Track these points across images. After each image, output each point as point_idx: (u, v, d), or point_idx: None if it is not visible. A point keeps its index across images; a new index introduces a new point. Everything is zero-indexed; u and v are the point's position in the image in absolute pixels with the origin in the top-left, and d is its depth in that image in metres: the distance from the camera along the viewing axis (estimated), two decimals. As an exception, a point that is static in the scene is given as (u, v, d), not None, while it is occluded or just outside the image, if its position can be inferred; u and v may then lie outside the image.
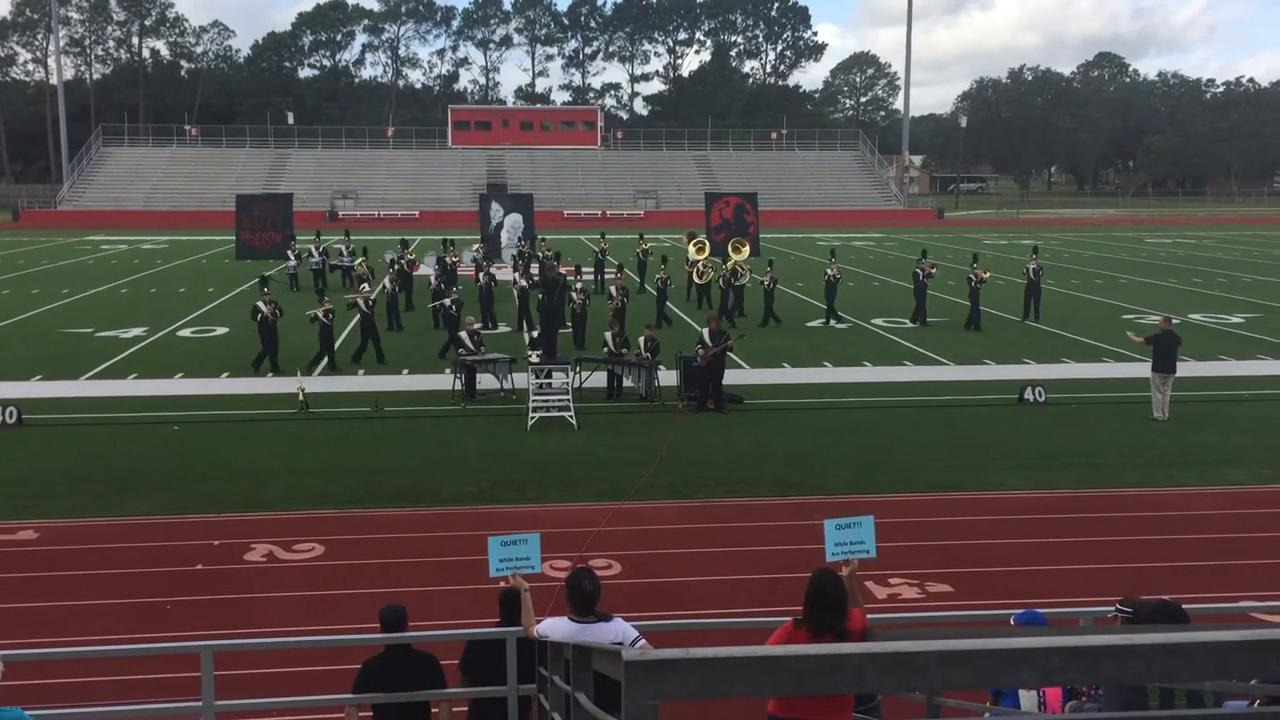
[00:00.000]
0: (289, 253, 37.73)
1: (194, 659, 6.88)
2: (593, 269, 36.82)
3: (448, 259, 32.42)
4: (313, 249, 36.67)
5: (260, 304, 22.84)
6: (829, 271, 30.37)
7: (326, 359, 23.41)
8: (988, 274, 29.63)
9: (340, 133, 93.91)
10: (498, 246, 44.35)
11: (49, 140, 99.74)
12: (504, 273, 35.98)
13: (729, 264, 30.80)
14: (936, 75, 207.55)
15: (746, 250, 32.39)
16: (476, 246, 33.57)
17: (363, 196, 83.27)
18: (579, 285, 26.70)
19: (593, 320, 26.21)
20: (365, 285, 25.77)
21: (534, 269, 32.42)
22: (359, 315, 24.55)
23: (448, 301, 25.47)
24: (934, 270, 30.52)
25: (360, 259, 33.06)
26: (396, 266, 32.70)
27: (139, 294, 36.47)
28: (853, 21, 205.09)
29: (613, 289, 26.83)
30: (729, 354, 20.23)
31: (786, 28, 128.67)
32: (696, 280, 32.53)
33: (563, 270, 29.93)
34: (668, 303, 30.18)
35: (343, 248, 37.41)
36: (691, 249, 33.33)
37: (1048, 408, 19.73)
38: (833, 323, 29.51)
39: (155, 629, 10.28)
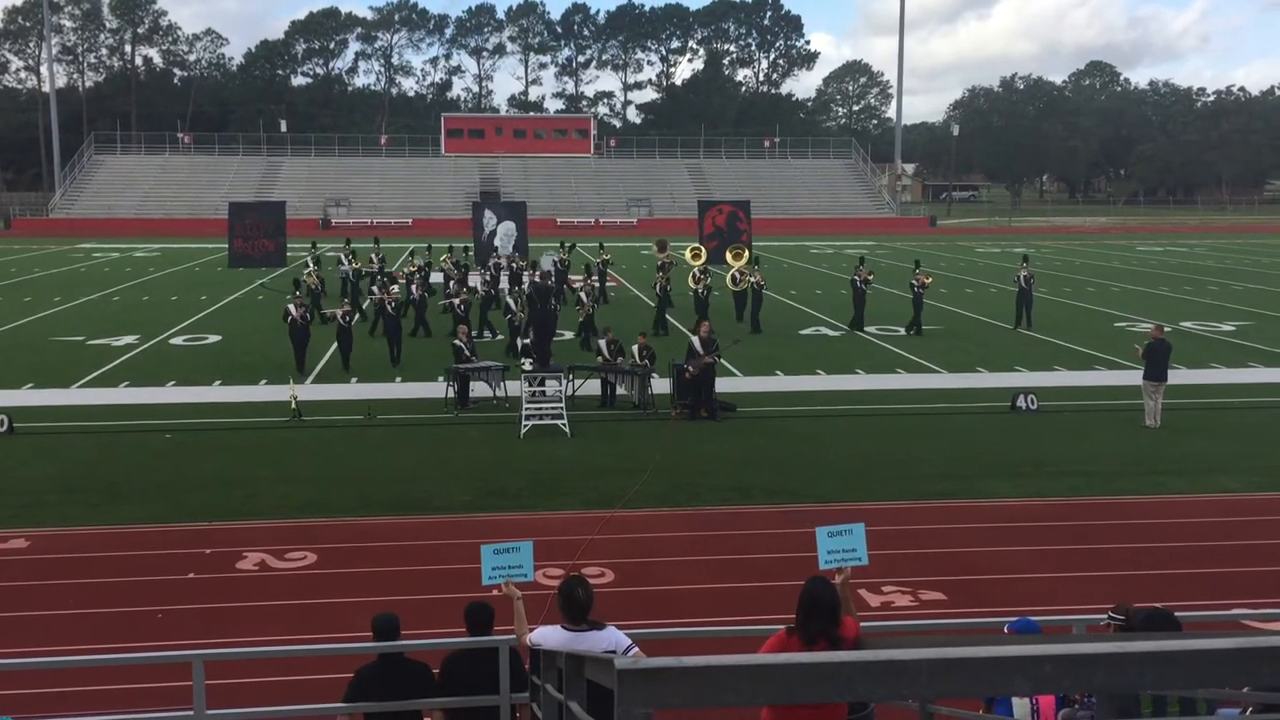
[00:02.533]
0: (309, 259, 37.44)
1: (185, 668, 6.85)
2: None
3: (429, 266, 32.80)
4: (341, 256, 36.81)
5: (290, 306, 23.21)
6: (754, 279, 30.53)
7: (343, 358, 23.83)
8: (929, 279, 30.18)
9: (333, 140, 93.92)
10: (488, 254, 44.33)
11: (41, 148, 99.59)
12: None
13: (729, 271, 31.11)
14: (931, 84, 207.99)
15: (746, 255, 32.62)
16: (444, 258, 33.61)
17: (355, 204, 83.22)
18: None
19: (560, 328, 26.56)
20: (395, 287, 26.34)
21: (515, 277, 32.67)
22: (382, 318, 25.18)
23: (457, 301, 25.80)
24: (871, 277, 30.90)
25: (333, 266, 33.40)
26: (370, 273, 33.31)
27: (131, 302, 36.41)
28: (849, 31, 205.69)
29: (582, 295, 27.06)
30: (721, 361, 20.24)
31: (779, 36, 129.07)
32: (692, 285, 32.55)
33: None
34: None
35: (373, 254, 37.30)
36: (688, 254, 33.55)
37: (1040, 415, 19.76)
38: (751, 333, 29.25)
39: (146, 638, 10.24)
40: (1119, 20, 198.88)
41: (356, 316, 25.25)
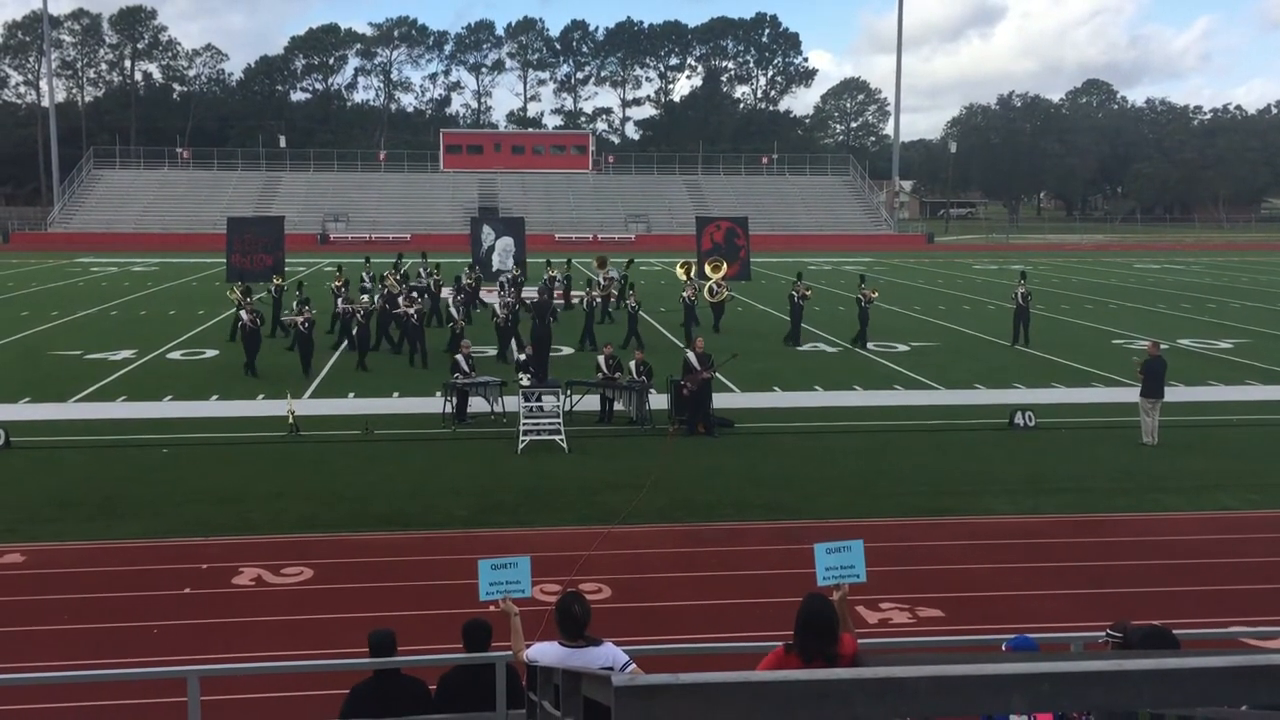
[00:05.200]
0: (364, 275, 37.22)
1: (180, 684, 6.82)
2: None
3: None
4: (363, 274, 36.82)
5: (242, 313, 23.83)
6: (685, 294, 31.23)
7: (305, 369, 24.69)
8: (875, 294, 30.82)
9: (332, 156, 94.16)
10: (488, 270, 44.36)
11: (40, 162, 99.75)
12: (489, 295, 36.13)
13: (707, 283, 31.48)
14: (932, 101, 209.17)
15: (725, 268, 33.00)
16: (387, 273, 33.50)
17: (354, 219, 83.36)
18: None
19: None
20: (365, 297, 27.17)
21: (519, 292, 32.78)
22: (355, 324, 26.32)
23: (412, 310, 26.25)
24: (809, 293, 31.23)
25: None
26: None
27: (129, 316, 36.40)
28: (849, 49, 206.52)
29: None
30: (718, 377, 20.24)
31: (777, 54, 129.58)
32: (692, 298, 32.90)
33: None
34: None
35: (421, 269, 37.01)
36: (679, 270, 33.95)
37: (1038, 432, 19.76)
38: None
39: (141, 653, 10.20)
40: (1120, 39, 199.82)
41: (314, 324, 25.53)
